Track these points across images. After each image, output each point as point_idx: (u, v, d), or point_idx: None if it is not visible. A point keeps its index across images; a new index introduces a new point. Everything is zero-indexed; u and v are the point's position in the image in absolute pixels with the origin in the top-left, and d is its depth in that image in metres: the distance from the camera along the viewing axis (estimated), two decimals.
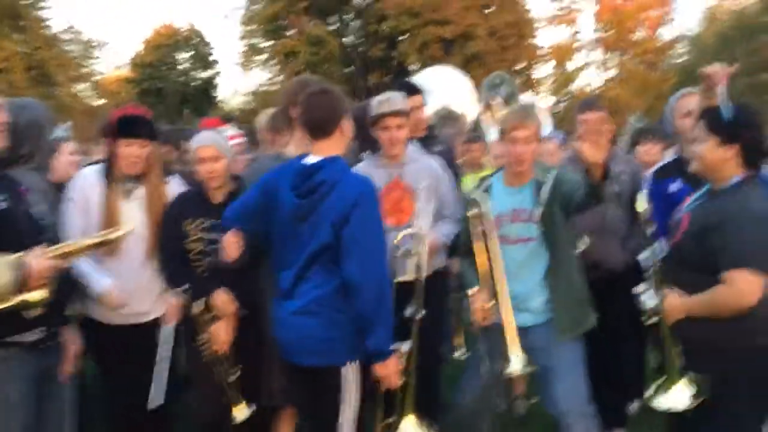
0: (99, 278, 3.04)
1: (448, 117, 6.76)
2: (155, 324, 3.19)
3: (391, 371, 2.63)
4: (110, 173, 3.11)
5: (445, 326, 3.63)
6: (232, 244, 2.86)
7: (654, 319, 2.58)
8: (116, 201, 3.07)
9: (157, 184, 3.20)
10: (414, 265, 3.08)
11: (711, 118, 2.63)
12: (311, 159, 2.70)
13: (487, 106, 6.72)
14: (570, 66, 31.86)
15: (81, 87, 26.28)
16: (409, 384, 2.84)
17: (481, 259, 3.04)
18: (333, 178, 2.61)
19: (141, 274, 3.15)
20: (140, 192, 3.16)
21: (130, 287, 3.10)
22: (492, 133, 5.17)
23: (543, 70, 32.71)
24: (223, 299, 3.04)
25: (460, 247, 3.33)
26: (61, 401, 2.69)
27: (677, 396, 2.51)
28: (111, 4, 65.60)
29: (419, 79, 6.12)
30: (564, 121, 26.06)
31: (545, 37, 42.30)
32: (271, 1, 29.26)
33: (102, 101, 26.47)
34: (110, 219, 3.03)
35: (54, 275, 2.38)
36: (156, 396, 3.11)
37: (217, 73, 40.66)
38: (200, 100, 39.29)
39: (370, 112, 3.37)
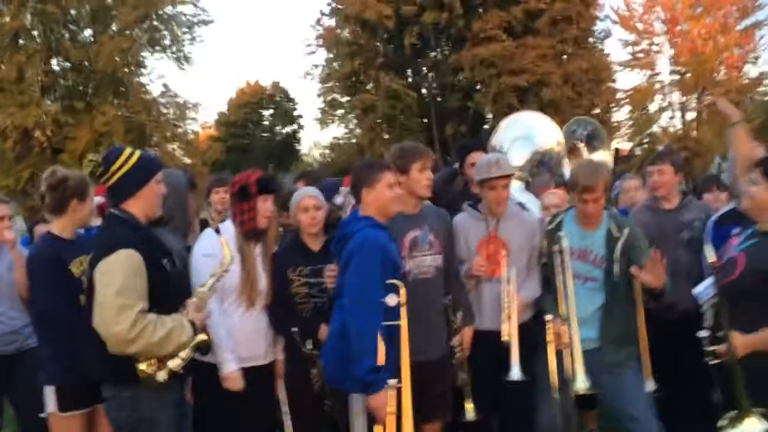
0: (228, 359, 3.34)
1: (540, 162, 6.92)
2: (267, 368, 3.53)
3: (378, 405, 2.90)
4: (243, 229, 3.42)
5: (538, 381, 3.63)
6: (332, 275, 3.43)
7: (717, 360, 2.80)
8: (254, 254, 3.44)
9: (275, 238, 3.63)
10: (505, 320, 3.46)
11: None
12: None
13: (571, 150, 6.96)
14: (649, 108, 31.48)
15: (173, 146, 27.81)
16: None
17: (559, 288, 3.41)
18: (352, 231, 3.15)
19: (262, 321, 3.51)
20: (259, 245, 3.52)
21: (255, 333, 3.47)
22: None
23: (620, 115, 32.50)
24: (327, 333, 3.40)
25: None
26: (187, 426, 3.17)
27: (749, 429, 2.70)
28: (198, 66, 69.46)
29: (509, 128, 6.37)
30: (643, 165, 25.76)
31: (622, 82, 42.00)
32: (348, 59, 30.39)
33: (189, 159, 27.92)
34: (250, 271, 3.40)
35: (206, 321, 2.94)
36: None
37: (301, 128, 42.33)
38: (284, 154, 40.87)
39: (478, 174, 3.70)
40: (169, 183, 3.16)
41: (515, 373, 3.36)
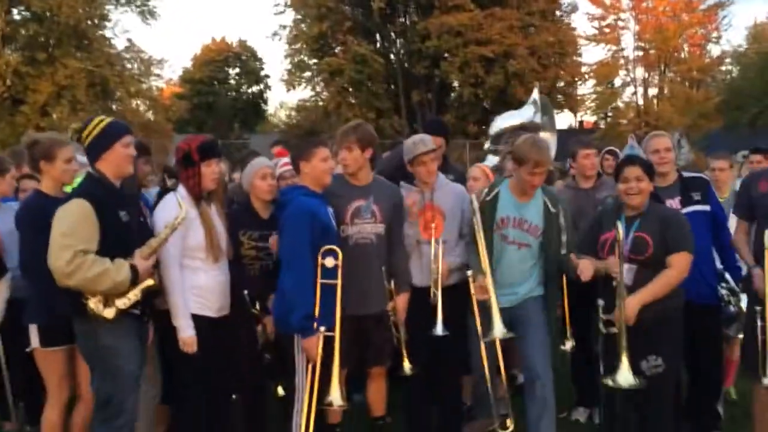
0: (184, 326, 3.49)
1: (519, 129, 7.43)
2: (225, 319, 3.72)
3: (309, 347, 3.45)
4: (194, 193, 3.58)
5: (464, 339, 4.06)
6: (274, 242, 3.85)
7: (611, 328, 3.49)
8: (209, 213, 3.64)
9: (222, 198, 3.88)
10: (432, 282, 3.93)
11: (642, 162, 3.63)
12: None
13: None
14: (614, 83, 32.06)
15: (137, 102, 27.58)
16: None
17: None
18: (288, 200, 3.62)
19: (228, 275, 3.74)
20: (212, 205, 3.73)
21: (223, 286, 3.70)
22: None
23: (585, 88, 33.05)
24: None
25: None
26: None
27: (624, 377, 3.33)
28: (163, 20, 68.10)
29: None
30: (606, 137, 26.34)
31: (587, 56, 42.56)
32: (317, 21, 30.23)
33: (153, 116, 27.72)
34: (211, 230, 3.60)
35: (154, 268, 3.29)
36: None
37: (268, 88, 42.02)
38: (250, 114, 40.67)
39: (407, 154, 4.10)
40: None
41: (439, 329, 3.84)
